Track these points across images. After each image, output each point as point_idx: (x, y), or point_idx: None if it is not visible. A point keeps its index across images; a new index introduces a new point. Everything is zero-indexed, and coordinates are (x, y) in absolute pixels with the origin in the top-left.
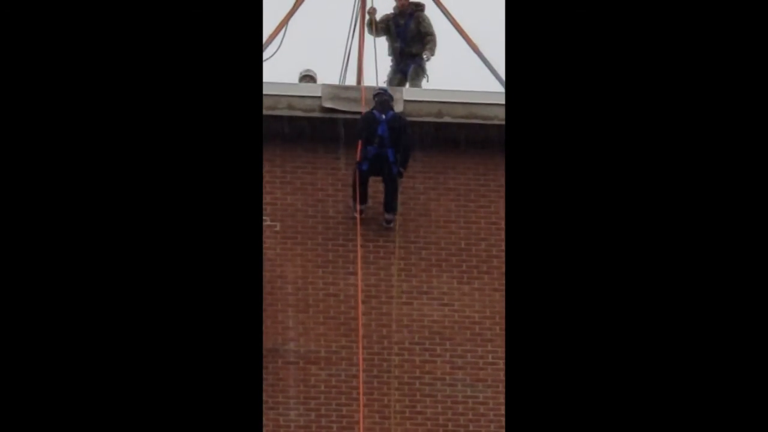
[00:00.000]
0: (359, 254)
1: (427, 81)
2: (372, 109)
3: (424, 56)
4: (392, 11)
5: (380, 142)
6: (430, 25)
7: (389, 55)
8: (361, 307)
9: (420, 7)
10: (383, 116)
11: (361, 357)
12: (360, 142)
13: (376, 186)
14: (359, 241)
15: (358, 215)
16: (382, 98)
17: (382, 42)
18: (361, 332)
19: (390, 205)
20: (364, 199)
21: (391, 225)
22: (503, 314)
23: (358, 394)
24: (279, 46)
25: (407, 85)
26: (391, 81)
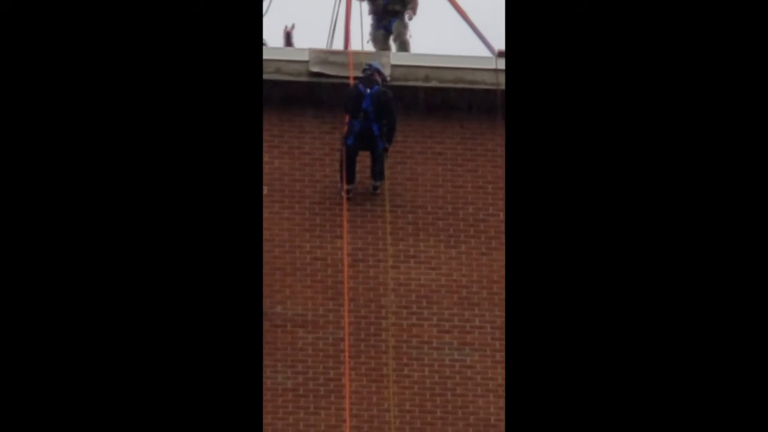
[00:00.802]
0: (345, 224)
1: (410, 36)
2: (357, 83)
3: (406, 16)
4: None
5: (365, 116)
6: None
7: (370, 14)
8: (348, 271)
9: None
10: (368, 90)
11: (347, 320)
12: (346, 116)
13: (363, 154)
14: (345, 214)
15: (344, 194)
16: (367, 73)
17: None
18: (347, 296)
19: (377, 173)
20: (351, 179)
21: (378, 192)
22: (490, 278)
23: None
24: (266, 12)
25: (391, 40)
26: (375, 38)
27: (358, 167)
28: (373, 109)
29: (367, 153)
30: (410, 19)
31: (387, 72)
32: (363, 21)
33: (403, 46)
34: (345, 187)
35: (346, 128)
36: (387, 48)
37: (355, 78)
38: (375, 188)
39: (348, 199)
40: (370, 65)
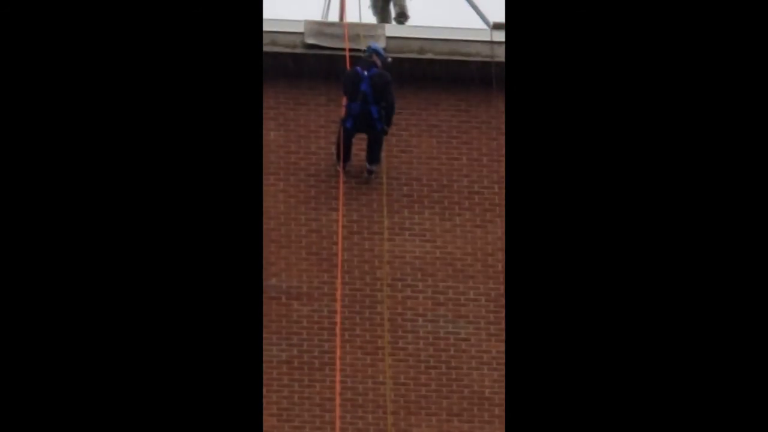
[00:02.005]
0: (341, 207)
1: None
2: (355, 66)
3: None
4: None
5: (363, 98)
6: None
7: None
8: (342, 243)
9: None
10: (366, 73)
11: (339, 292)
12: (344, 98)
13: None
14: (341, 195)
15: (341, 171)
16: (366, 54)
17: None
18: (341, 267)
19: (373, 156)
20: (347, 157)
21: (373, 176)
22: (485, 251)
23: (342, 330)
24: None
25: (391, 5)
26: (374, 4)
27: (354, 149)
28: (372, 91)
29: (364, 136)
30: None
31: (382, 44)
32: None
33: (402, 11)
34: (341, 165)
35: (343, 110)
36: (387, 14)
37: (351, 50)
38: (370, 172)
39: (344, 174)
40: (369, 47)
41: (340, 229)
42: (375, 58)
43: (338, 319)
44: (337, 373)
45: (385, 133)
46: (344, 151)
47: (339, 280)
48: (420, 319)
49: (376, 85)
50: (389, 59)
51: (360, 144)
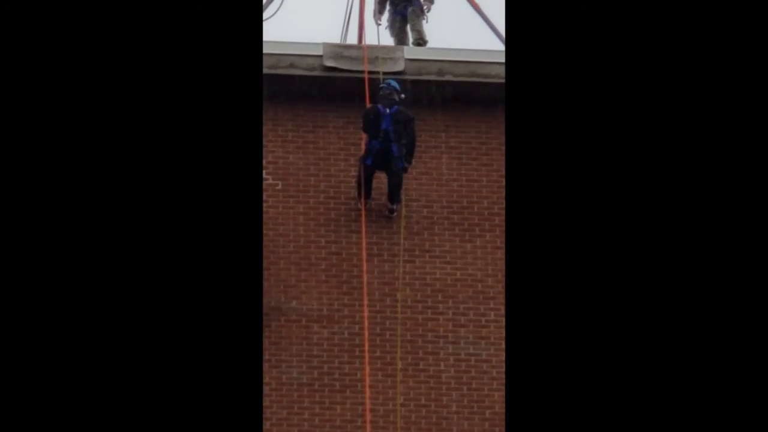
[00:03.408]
0: (364, 242)
1: (427, 22)
2: (376, 103)
3: (424, 6)
4: None
5: (385, 136)
6: None
7: (380, 3)
8: (365, 259)
9: None
10: (387, 110)
11: (366, 315)
12: (364, 136)
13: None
14: (364, 231)
15: (363, 209)
16: (386, 92)
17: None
18: (365, 290)
19: (394, 196)
20: (368, 195)
21: (394, 215)
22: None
23: (361, 352)
24: (280, 5)
25: (408, 27)
26: (392, 25)
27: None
28: (393, 129)
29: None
30: (428, 10)
31: (401, 66)
32: (377, 15)
33: (419, 34)
34: (363, 202)
35: (363, 147)
36: (404, 35)
37: (370, 72)
38: (391, 211)
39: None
40: (387, 83)
41: (363, 259)
42: (395, 95)
43: (365, 344)
44: (367, 396)
45: (405, 171)
46: (365, 189)
47: (365, 305)
48: (441, 340)
49: (397, 123)
50: (403, 95)
51: (381, 178)
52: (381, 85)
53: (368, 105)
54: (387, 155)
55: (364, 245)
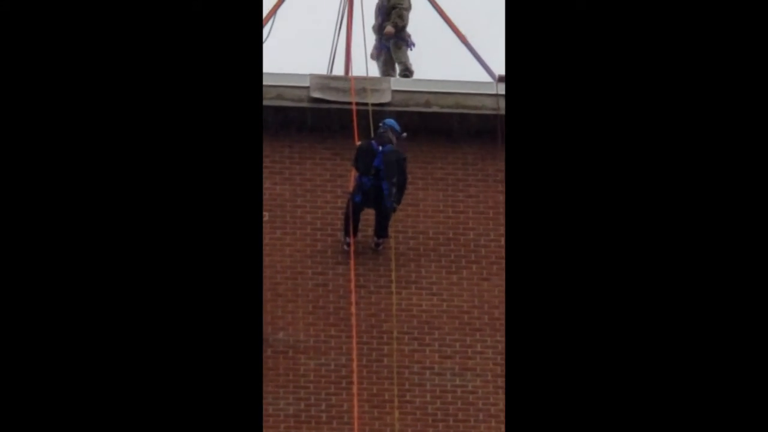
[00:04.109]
0: (353, 277)
1: (411, 50)
2: (370, 140)
3: (409, 46)
4: None
5: (376, 173)
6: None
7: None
8: (354, 288)
9: None
10: (381, 148)
11: (354, 346)
12: (354, 171)
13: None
14: (353, 266)
15: (352, 247)
16: (381, 130)
17: (370, 33)
18: (355, 322)
19: (381, 230)
20: (355, 232)
21: (380, 249)
22: (491, 303)
23: (348, 383)
24: (267, 36)
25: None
26: (378, 57)
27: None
28: (385, 167)
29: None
30: (387, 34)
31: (387, 98)
32: (365, 47)
33: (405, 65)
34: (352, 240)
35: (352, 183)
36: (391, 67)
37: (357, 104)
38: (377, 245)
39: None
40: (384, 123)
41: (352, 291)
42: (391, 135)
43: (354, 376)
44: (355, 427)
45: (394, 210)
46: (353, 225)
47: (354, 336)
48: (427, 372)
49: (389, 161)
50: (404, 134)
51: (368, 212)
52: (379, 124)
53: (358, 139)
54: (377, 193)
55: (353, 277)
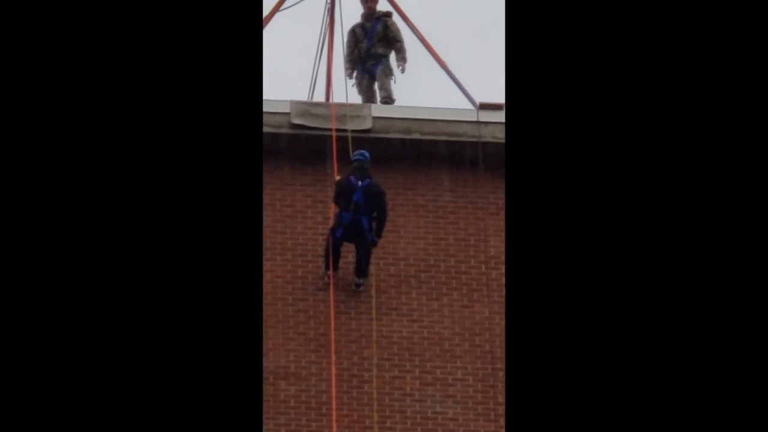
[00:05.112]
0: (332, 311)
1: (395, 82)
2: (349, 175)
3: (399, 67)
4: (360, 18)
5: (355, 208)
6: (398, 31)
7: (348, 61)
8: (333, 324)
9: (388, 14)
10: (360, 183)
11: (333, 372)
12: (335, 207)
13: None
14: (332, 301)
15: (331, 281)
16: (361, 164)
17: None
18: (333, 348)
19: (361, 270)
20: (335, 267)
21: (361, 289)
22: (472, 331)
23: (328, 409)
24: None
25: (376, 85)
26: (359, 83)
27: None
28: (364, 201)
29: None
30: (402, 70)
31: (368, 125)
32: (344, 73)
33: (387, 92)
34: (331, 273)
35: (333, 219)
36: (372, 93)
37: (337, 130)
38: (358, 285)
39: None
40: (361, 154)
41: (332, 317)
42: (368, 166)
43: (333, 402)
44: None
45: (375, 244)
46: (333, 260)
47: (332, 361)
48: (408, 398)
49: (369, 196)
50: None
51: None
52: (354, 157)
53: (337, 166)
54: (357, 228)
55: (332, 304)
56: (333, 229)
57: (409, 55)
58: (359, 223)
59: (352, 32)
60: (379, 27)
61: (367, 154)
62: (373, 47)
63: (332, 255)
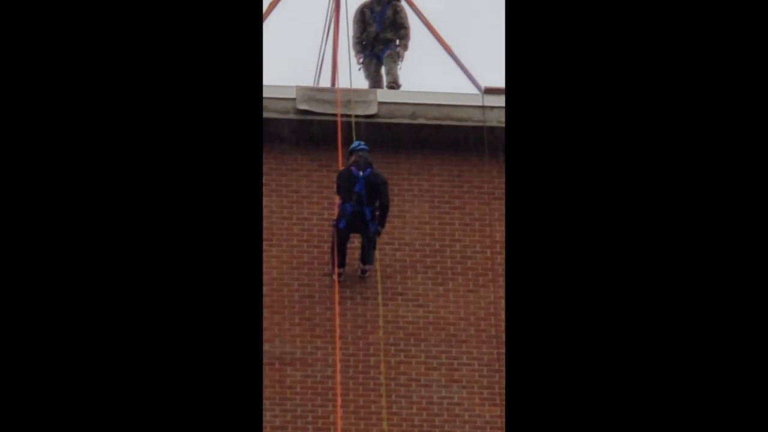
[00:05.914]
0: (336, 308)
1: (401, 68)
2: (350, 166)
3: (398, 51)
4: None
5: (357, 199)
6: (406, 18)
7: (357, 43)
8: (338, 309)
9: None
10: (361, 173)
11: (338, 358)
12: (338, 198)
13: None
14: (337, 298)
15: (336, 278)
16: (361, 155)
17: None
18: (338, 334)
19: (367, 257)
20: (342, 263)
21: (367, 275)
22: (478, 315)
23: (334, 395)
24: None
25: (383, 69)
26: (366, 68)
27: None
28: (366, 192)
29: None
30: (401, 59)
31: (374, 110)
32: (350, 58)
33: (393, 77)
34: (336, 270)
35: (336, 211)
36: (378, 78)
37: (343, 115)
38: (363, 272)
39: (339, 279)
40: (358, 144)
41: (336, 302)
42: (369, 156)
43: (338, 388)
44: None
45: (378, 234)
46: (339, 253)
47: (337, 346)
48: (413, 384)
49: (370, 185)
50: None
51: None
52: (352, 148)
53: (343, 151)
54: (360, 218)
55: (337, 289)
56: (336, 221)
57: (414, 39)
58: (362, 214)
59: (361, 12)
60: (389, 12)
61: (364, 144)
62: (383, 32)
63: (337, 248)
